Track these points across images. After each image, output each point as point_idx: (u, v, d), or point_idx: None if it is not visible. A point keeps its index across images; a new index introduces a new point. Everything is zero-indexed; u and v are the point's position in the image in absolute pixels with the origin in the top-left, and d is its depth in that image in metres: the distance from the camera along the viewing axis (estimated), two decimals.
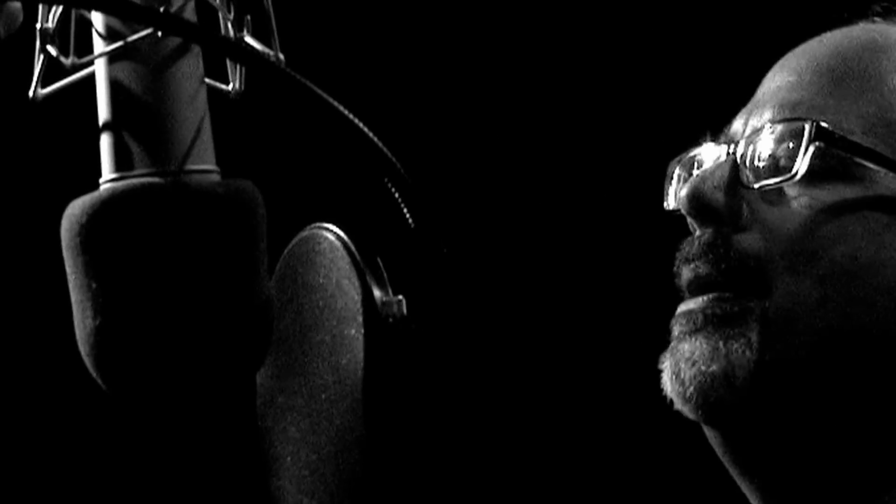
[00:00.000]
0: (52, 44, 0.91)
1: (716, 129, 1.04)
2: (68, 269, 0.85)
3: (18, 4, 0.86)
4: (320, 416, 0.86)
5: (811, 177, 0.95)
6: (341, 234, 0.89)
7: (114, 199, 0.84)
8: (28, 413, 2.25)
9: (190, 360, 0.83)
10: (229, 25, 0.91)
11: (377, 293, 0.87)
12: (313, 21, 2.06)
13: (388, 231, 0.90)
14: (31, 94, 0.91)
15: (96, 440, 2.24)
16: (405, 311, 0.88)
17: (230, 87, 0.92)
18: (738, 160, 0.98)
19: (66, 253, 0.85)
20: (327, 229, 0.89)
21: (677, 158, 1.03)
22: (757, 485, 0.98)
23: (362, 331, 0.86)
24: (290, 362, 0.88)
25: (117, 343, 0.83)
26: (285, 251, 0.90)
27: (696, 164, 1.02)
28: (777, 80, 1.02)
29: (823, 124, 0.94)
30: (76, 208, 0.85)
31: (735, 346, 0.93)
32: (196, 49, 0.88)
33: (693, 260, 0.96)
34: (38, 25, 0.91)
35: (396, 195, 0.90)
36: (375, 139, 0.85)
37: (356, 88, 1.04)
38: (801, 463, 0.95)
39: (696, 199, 0.96)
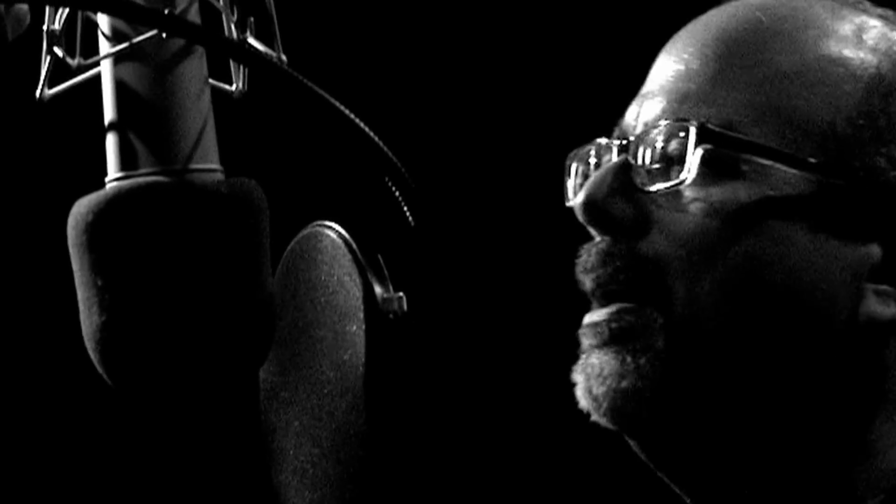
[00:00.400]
0: (59, 45, 0.91)
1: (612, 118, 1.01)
2: (74, 267, 0.85)
3: (26, 7, 0.86)
4: (322, 411, 0.86)
5: (703, 177, 0.91)
6: (343, 232, 0.89)
7: (119, 197, 0.84)
8: (34, 407, 2.25)
9: (194, 355, 0.83)
10: (233, 27, 0.91)
11: (378, 290, 0.87)
12: (315, 22, 2.06)
13: (389, 229, 0.90)
14: (38, 94, 0.90)
15: (102, 433, 2.24)
16: (405, 307, 0.88)
17: (233, 87, 0.92)
18: (631, 159, 0.95)
19: (72, 250, 0.85)
20: (329, 227, 0.89)
21: (573, 153, 1.00)
22: (684, 490, 0.96)
23: (363, 327, 0.86)
24: (292, 358, 0.88)
25: (123, 339, 0.83)
26: (288, 249, 0.90)
27: (591, 158, 0.99)
28: (665, 68, 0.97)
29: (709, 125, 0.91)
30: (82, 206, 0.85)
31: (643, 360, 0.91)
32: (200, 50, 0.88)
33: (592, 269, 0.94)
34: (45, 27, 0.91)
35: (397, 194, 0.91)
36: (376, 139, 0.85)
37: (357, 89, 1.04)
38: (721, 465, 0.93)
39: (591, 208, 0.93)
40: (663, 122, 0.93)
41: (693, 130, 0.91)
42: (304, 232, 0.90)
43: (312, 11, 2.05)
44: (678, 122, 0.92)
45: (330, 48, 2.14)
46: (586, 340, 0.94)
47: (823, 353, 0.90)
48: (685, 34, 0.98)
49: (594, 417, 0.93)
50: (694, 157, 0.90)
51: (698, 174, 0.91)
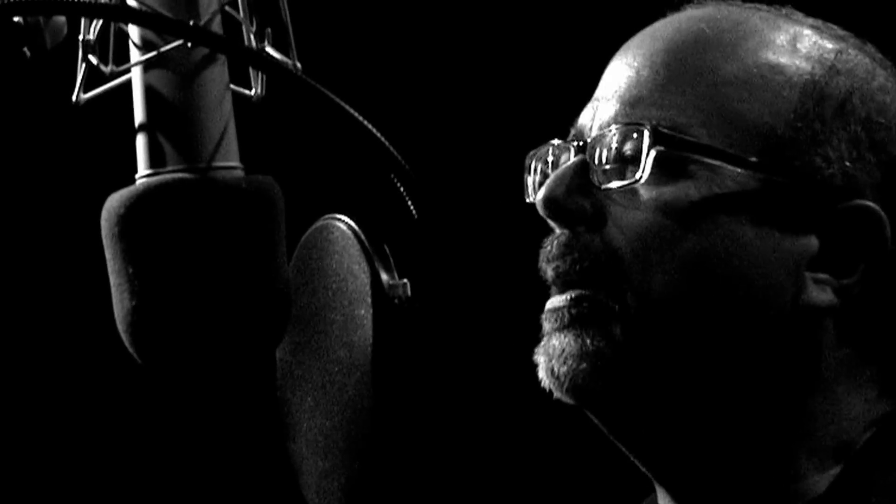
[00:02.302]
0: (93, 53, 0.91)
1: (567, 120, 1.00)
2: (108, 256, 0.85)
3: (63, 18, 0.86)
4: (333, 388, 0.86)
5: (656, 176, 0.91)
6: (352, 224, 0.89)
7: (148, 192, 0.84)
8: (68, 384, 2.25)
9: (217, 336, 0.83)
10: (252, 37, 0.91)
11: (384, 277, 0.87)
12: (328, 31, 2.06)
13: (394, 221, 0.90)
14: (74, 98, 0.90)
15: (127, 409, 2.24)
16: (410, 292, 0.88)
17: (252, 92, 0.91)
18: (588, 159, 0.94)
19: (105, 241, 0.85)
20: (340, 220, 0.89)
21: (532, 152, 0.99)
22: (642, 460, 0.96)
23: (371, 311, 0.85)
24: (306, 339, 0.88)
25: (151, 321, 0.83)
26: (302, 239, 0.90)
27: (549, 157, 0.98)
28: (617, 74, 0.96)
29: (661, 128, 0.91)
30: (114, 201, 0.85)
31: (601, 342, 0.90)
32: (222, 58, 0.88)
33: (553, 260, 0.93)
34: (81, 37, 0.91)
35: (401, 189, 0.91)
36: (383, 139, 0.85)
37: (364, 92, 1.04)
38: (673, 437, 0.93)
39: (551, 204, 0.93)
40: (616, 126, 0.93)
41: (647, 133, 0.90)
42: (317, 224, 0.90)
43: (325, 22, 2.05)
44: (633, 126, 0.92)
45: (340, 54, 2.14)
46: (547, 324, 0.93)
47: (767, 336, 0.90)
48: (635, 43, 0.98)
49: (556, 395, 0.93)
50: (648, 158, 0.90)
51: (651, 173, 0.90)
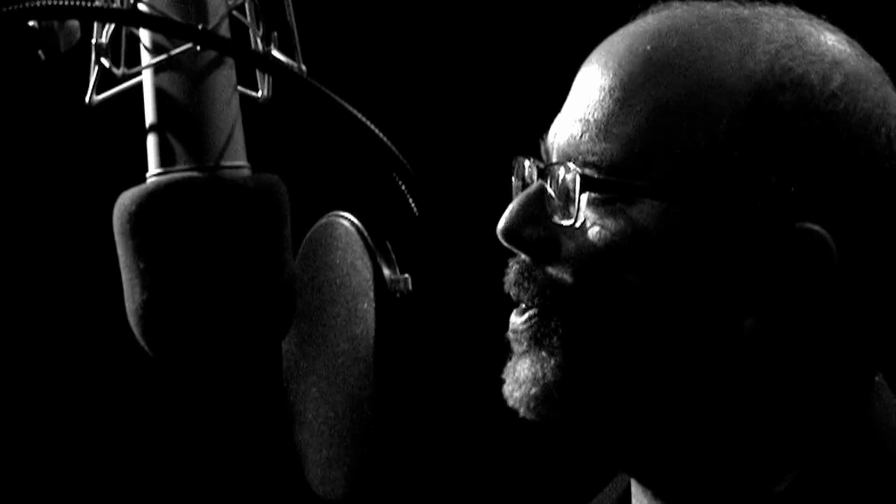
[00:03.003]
0: (105, 56, 0.91)
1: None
2: (119, 252, 0.85)
3: (76, 23, 0.87)
4: (337, 378, 0.86)
5: (595, 215, 0.88)
6: (355, 220, 0.89)
7: (158, 190, 0.85)
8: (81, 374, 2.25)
9: (224, 328, 0.83)
10: (259, 41, 0.91)
11: (386, 272, 0.87)
12: (331, 34, 2.06)
13: (396, 219, 0.90)
14: (86, 100, 0.91)
15: (135, 401, 2.24)
16: (411, 287, 0.88)
17: (259, 94, 0.92)
18: (547, 187, 0.92)
19: (117, 237, 0.85)
20: (343, 217, 0.89)
21: (515, 159, 0.97)
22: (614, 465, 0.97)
23: (373, 304, 0.85)
24: (311, 332, 0.88)
25: (162, 315, 0.83)
26: (307, 236, 0.90)
27: (526, 171, 0.96)
28: (578, 93, 0.93)
29: (590, 170, 0.88)
30: (126, 199, 0.85)
31: (548, 368, 0.89)
32: (230, 61, 0.88)
33: (512, 284, 0.92)
34: (94, 41, 0.91)
35: (403, 188, 0.91)
36: (384, 138, 0.85)
37: (368, 94, 1.04)
38: (632, 449, 0.92)
39: (507, 235, 0.92)
40: (558, 165, 0.91)
41: (578, 179, 0.88)
42: (322, 221, 0.90)
43: (329, 26, 2.05)
44: (568, 169, 0.90)
45: (343, 56, 2.14)
46: (514, 346, 0.93)
47: (709, 352, 0.88)
48: (595, 60, 0.94)
49: (521, 414, 0.92)
50: (581, 202, 0.88)
51: (588, 213, 0.89)
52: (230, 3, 0.90)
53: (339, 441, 0.86)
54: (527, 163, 0.96)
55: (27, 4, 0.80)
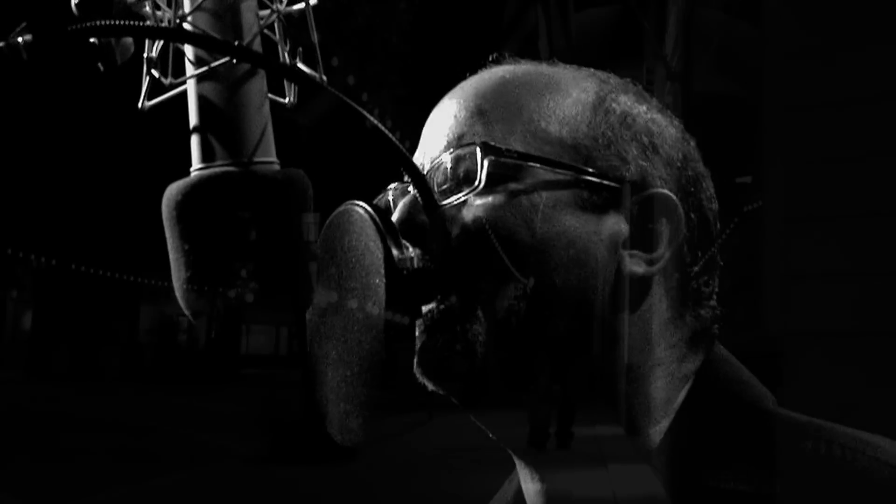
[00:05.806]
0: (155, 68, 0.92)
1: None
2: (167, 235, 0.86)
3: (130, 40, 0.88)
4: (352, 343, 0.86)
5: (488, 186, 0.89)
6: (369, 208, 0.89)
7: (201, 182, 0.86)
8: None
9: (255, 301, 0.83)
10: (286, 55, 0.92)
11: (395, 252, 0.87)
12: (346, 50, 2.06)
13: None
14: (139, 105, 0.92)
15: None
16: (416, 265, 0.88)
17: (287, 100, 0.93)
18: (431, 184, 0.92)
19: (165, 223, 0.86)
20: (358, 205, 0.89)
21: (378, 197, 0.99)
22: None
23: (384, 280, 0.86)
24: (330, 303, 0.88)
25: (202, 288, 0.84)
26: (327, 221, 0.90)
27: (391, 197, 0.98)
28: (436, 126, 0.96)
29: (490, 142, 0.89)
30: (173, 189, 0.86)
31: (452, 343, 0.88)
32: (261, 72, 0.89)
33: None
34: (145, 55, 0.93)
35: (408, 180, 0.92)
36: (394, 139, 0.86)
37: (378, 102, 1.04)
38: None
39: (404, 224, 0.91)
40: (449, 152, 0.92)
41: (479, 149, 0.89)
42: (340, 209, 0.90)
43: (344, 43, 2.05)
44: (465, 146, 0.90)
45: (358, 68, 2.14)
46: (418, 326, 0.91)
47: (600, 301, 0.88)
48: (449, 97, 0.97)
49: (429, 388, 0.91)
50: (483, 169, 0.88)
51: (486, 181, 0.89)
52: (262, 22, 0.91)
53: (354, 397, 0.86)
54: (394, 185, 0.98)
55: (89, 24, 0.81)
